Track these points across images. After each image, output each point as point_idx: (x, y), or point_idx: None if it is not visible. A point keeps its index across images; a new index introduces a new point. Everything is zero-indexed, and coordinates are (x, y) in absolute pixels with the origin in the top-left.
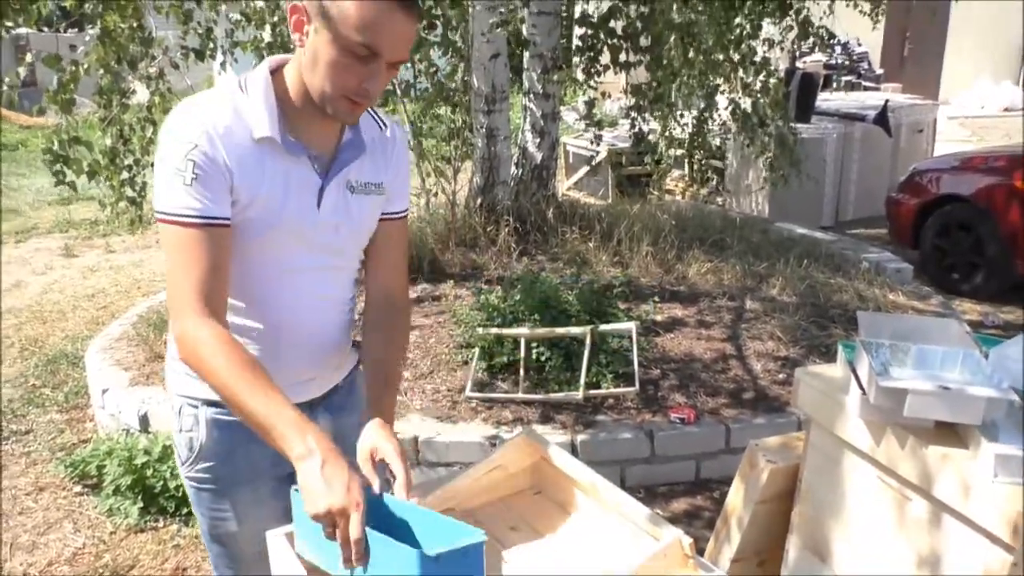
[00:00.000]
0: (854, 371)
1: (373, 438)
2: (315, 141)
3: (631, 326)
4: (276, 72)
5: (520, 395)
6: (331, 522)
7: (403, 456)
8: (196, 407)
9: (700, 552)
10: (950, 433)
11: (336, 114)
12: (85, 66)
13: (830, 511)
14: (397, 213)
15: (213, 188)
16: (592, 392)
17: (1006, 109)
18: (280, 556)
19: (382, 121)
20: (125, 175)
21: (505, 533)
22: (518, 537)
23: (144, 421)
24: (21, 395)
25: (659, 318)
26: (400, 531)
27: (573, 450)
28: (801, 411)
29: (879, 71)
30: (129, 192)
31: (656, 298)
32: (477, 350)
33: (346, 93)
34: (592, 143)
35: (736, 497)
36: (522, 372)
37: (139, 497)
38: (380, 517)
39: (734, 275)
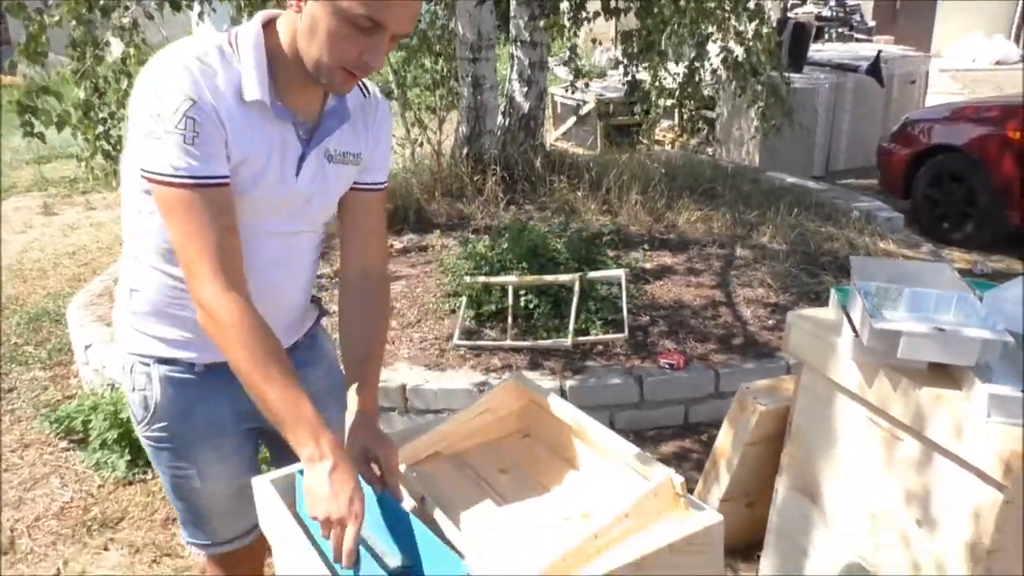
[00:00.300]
0: (847, 314)
1: (365, 441)
2: (301, 107)
3: (620, 273)
4: (267, 26)
5: (508, 342)
6: (328, 526)
7: (396, 465)
8: (148, 365)
9: (690, 492)
10: (943, 375)
11: (330, 85)
12: (56, 18)
13: (820, 452)
14: (376, 184)
15: (213, 144)
16: (581, 339)
17: (998, 63)
18: (266, 503)
19: (366, 88)
20: (100, 129)
21: (495, 476)
22: (507, 480)
23: None
24: (3, 353)
25: (648, 266)
26: (387, 535)
27: (562, 396)
28: (792, 354)
29: (871, 23)
30: (104, 146)
31: (645, 246)
32: (465, 298)
33: (344, 64)
34: (570, 90)
35: (725, 439)
36: (510, 320)
37: (126, 451)
38: (371, 516)
39: (724, 223)
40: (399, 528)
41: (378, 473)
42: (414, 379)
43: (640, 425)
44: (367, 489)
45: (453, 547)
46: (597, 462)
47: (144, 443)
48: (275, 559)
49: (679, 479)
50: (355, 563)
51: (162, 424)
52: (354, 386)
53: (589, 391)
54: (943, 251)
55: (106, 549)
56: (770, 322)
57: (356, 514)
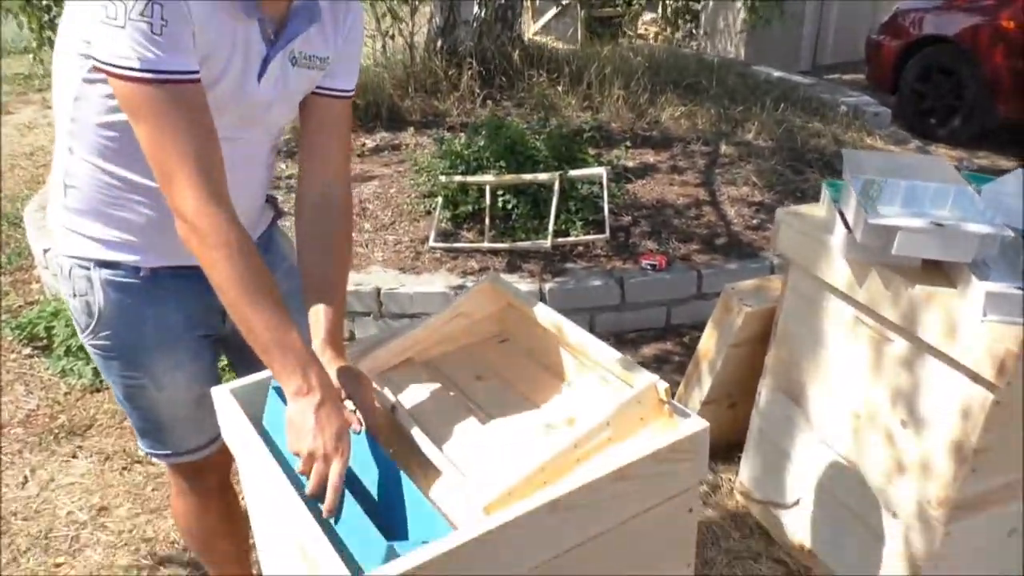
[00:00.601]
0: (839, 211)
1: (343, 383)
2: (268, 2)
3: (601, 171)
4: None
5: (486, 244)
6: (310, 462)
7: (373, 404)
8: (87, 268)
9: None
10: (936, 273)
11: None
12: None
13: (805, 353)
14: (343, 92)
15: (183, 36)
16: (561, 240)
17: None
18: (227, 414)
19: None
20: (45, 17)
21: (470, 383)
22: (484, 387)
23: None
24: None
25: (630, 164)
26: (372, 478)
27: (541, 299)
28: (781, 254)
29: None
30: (52, 36)
31: (627, 143)
32: (440, 199)
33: None
34: None
35: (709, 341)
36: (487, 221)
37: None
38: (355, 455)
39: (709, 119)
40: (382, 475)
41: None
42: (388, 283)
43: (621, 328)
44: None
45: (435, 506)
46: (578, 368)
47: (91, 352)
48: (240, 472)
49: (663, 385)
50: (338, 507)
51: (108, 332)
52: (318, 323)
53: (569, 294)
54: (929, 147)
55: (74, 457)
56: (754, 221)
57: (343, 450)
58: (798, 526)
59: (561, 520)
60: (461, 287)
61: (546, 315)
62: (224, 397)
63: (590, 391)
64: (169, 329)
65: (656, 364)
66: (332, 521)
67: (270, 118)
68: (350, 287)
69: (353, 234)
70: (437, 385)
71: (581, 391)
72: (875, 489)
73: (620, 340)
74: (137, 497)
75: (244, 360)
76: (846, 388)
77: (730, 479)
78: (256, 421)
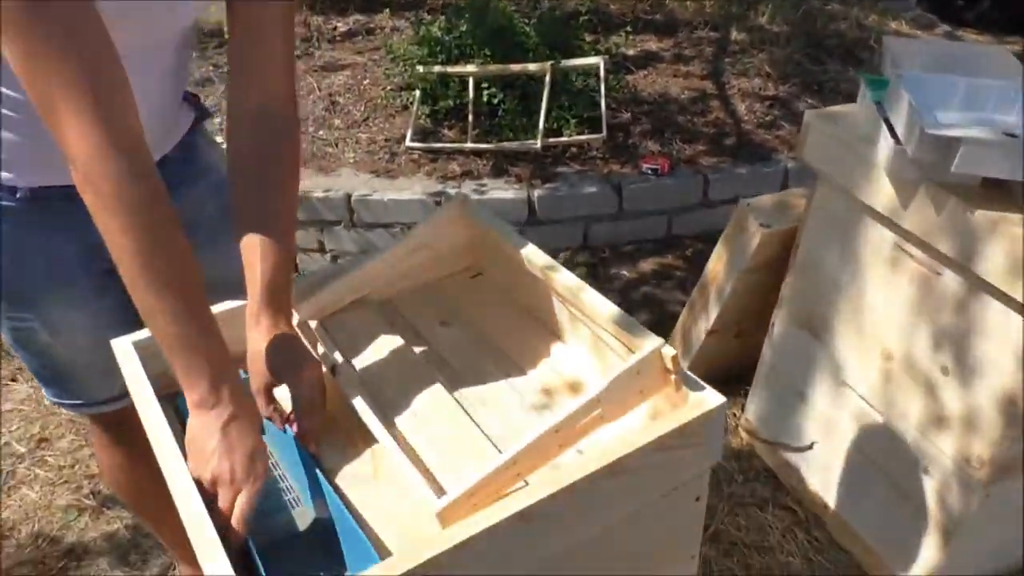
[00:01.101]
0: (885, 117)
1: (274, 363)
2: None
3: (598, 61)
4: None
5: (469, 144)
6: (214, 488)
7: (315, 400)
8: None
9: (672, 320)
10: (1000, 195)
11: None
12: None
13: (830, 284)
14: None
15: None
16: (552, 140)
17: None
18: (128, 371)
19: None
20: None
21: (432, 329)
22: (450, 336)
23: None
24: None
25: (631, 52)
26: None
27: (530, 207)
28: (809, 164)
29: None
30: None
31: (628, 29)
32: (418, 92)
33: None
34: None
35: (718, 263)
36: (471, 118)
37: None
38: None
39: (718, 1)
40: (312, 487)
41: (288, 413)
42: (360, 188)
43: (618, 239)
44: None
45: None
46: (566, 318)
47: None
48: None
49: (670, 352)
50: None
51: None
52: (254, 276)
53: (561, 201)
54: (957, 32)
55: (14, 380)
56: (767, 118)
57: (255, 476)
58: (811, 472)
59: (535, 530)
60: (441, 194)
61: (531, 255)
62: (125, 351)
63: (579, 350)
64: (61, 262)
65: (655, 280)
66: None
67: (176, 22)
68: (319, 193)
69: (322, 133)
70: (394, 335)
71: (569, 349)
72: (905, 441)
73: (616, 253)
74: (80, 428)
75: None
76: (878, 326)
77: (735, 414)
78: (164, 378)
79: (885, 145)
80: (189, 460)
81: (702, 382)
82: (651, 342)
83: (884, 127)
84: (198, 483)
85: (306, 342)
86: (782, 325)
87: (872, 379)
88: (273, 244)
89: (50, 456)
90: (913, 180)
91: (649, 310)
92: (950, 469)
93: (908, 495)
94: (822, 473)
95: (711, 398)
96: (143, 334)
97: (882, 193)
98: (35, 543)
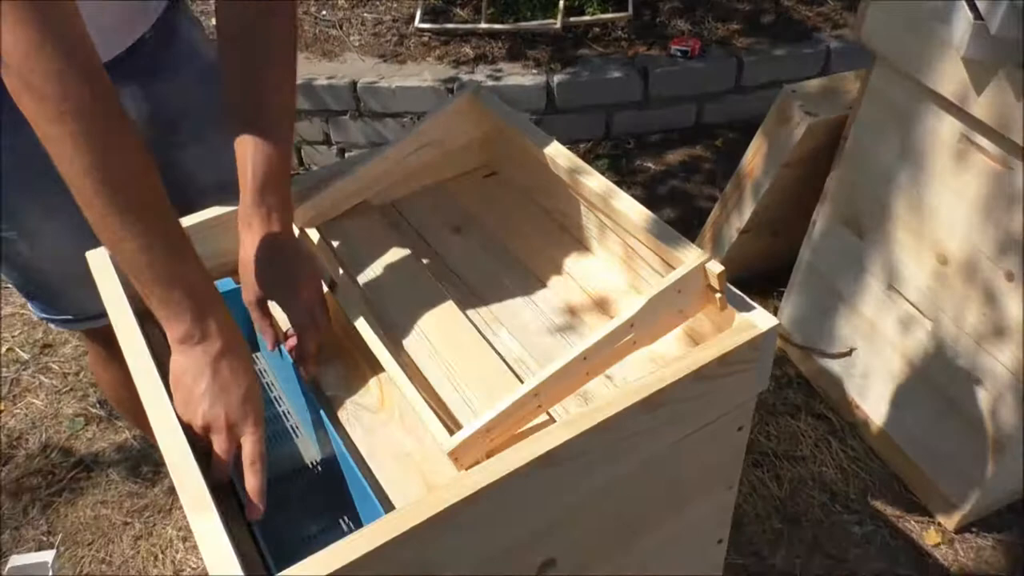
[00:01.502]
0: None
1: (267, 273)
2: None
3: None
4: None
5: (483, 25)
6: (206, 435)
7: (314, 325)
8: None
9: (701, 216)
10: None
11: None
12: None
13: (881, 178)
14: None
15: None
16: (574, 19)
17: None
18: (106, 286)
19: None
20: None
21: (443, 237)
22: (462, 244)
23: None
24: None
25: None
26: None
27: (549, 93)
28: (866, 44)
29: None
30: None
31: None
32: None
33: None
34: None
35: (756, 156)
36: None
37: None
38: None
39: None
40: (315, 422)
41: (285, 331)
42: (367, 74)
43: (643, 127)
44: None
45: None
46: (594, 225)
47: None
48: None
49: (716, 268)
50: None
51: None
52: (246, 173)
53: (582, 87)
54: None
55: None
56: None
57: (255, 419)
58: (848, 380)
59: (561, 473)
60: (454, 80)
61: (554, 154)
62: (100, 264)
63: (609, 263)
64: (37, 163)
65: (684, 172)
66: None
67: None
68: (322, 80)
69: (324, 12)
70: (400, 244)
71: (597, 261)
72: (957, 350)
73: (641, 143)
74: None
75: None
76: (936, 226)
77: None
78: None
79: (962, 21)
80: (176, 403)
81: (750, 300)
82: (693, 255)
83: (964, 1)
84: (188, 428)
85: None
86: (825, 222)
87: (923, 283)
88: (267, 134)
89: (54, 363)
90: (992, 63)
91: (676, 206)
92: (1006, 381)
93: (956, 406)
94: (861, 381)
95: (761, 319)
96: None
97: (952, 77)
98: (43, 453)
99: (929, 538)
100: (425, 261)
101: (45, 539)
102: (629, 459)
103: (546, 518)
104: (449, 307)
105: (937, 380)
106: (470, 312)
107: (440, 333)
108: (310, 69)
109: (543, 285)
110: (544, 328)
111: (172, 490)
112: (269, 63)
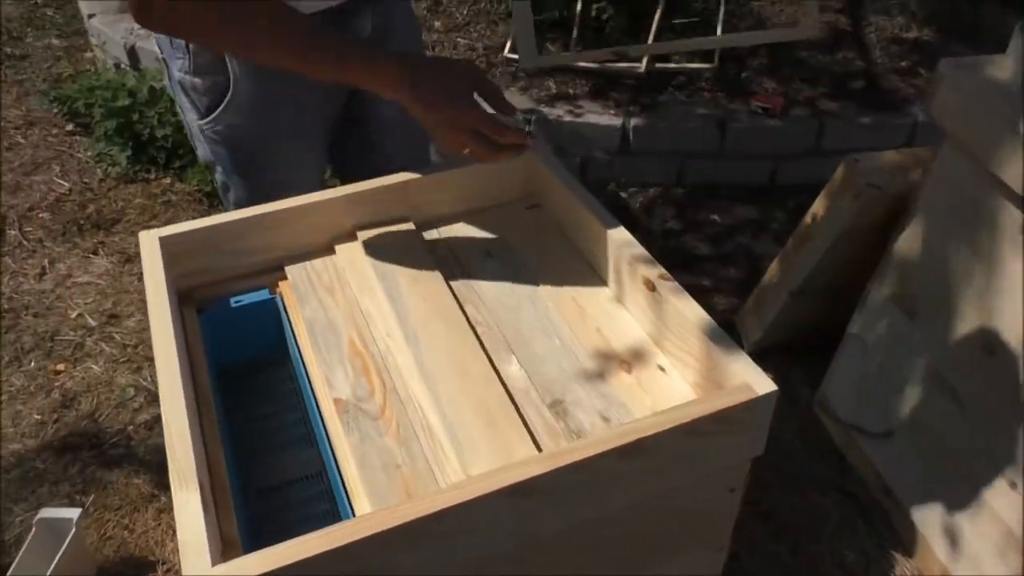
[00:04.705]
0: None
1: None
2: None
3: None
4: None
5: (570, 58)
6: (471, 141)
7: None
8: None
9: (757, 276)
10: None
11: None
12: None
13: (938, 261)
14: None
15: None
16: (659, 66)
17: None
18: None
19: None
20: None
21: (475, 260)
22: (490, 269)
23: (133, 56)
24: (21, 14)
25: None
26: None
27: (624, 135)
28: (938, 120)
29: None
30: None
31: None
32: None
33: None
34: None
35: (816, 219)
36: (575, 32)
37: (128, 144)
38: None
39: None
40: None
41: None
42: None
43: (715, 179)
44: None
45: None
46: (626, 275)
47: (199, 135)
48: None
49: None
50: None
51: (233, 122)
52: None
53: (658, 134)
54: None
55: (95, 254)
56: (903, 64)
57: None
58: (883, 462)
59: (530, 504)
60: (532, 112)
61: (615, 234)
62: (150, 245)
63: (636, 313)
64: (303, 117)
65: (751, 231)
66: None
67: None
68: None
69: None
70: (431, 259)
71: (623, 310)
72: (997, 446)
73: (711, 195)
74: None
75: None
76: (987, 316)
77: (809, 387)
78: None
79: None
80: (438, 140)
81: (754, 363)
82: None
83: None
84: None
85: None
86: (877, 298)
87: (968, 372)
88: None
89: (117, 333)
90: None
91: (740, 264)
92: None
93: (988, 505)
94: (896, 465)
95: (759, 383)
96: (171, 230)
97: (1016, 164)
98: (92, 416)
99: None
100: (453, 281)
101: (77, 497)
102: (608, 502)
103: (518, 544)
104: (462, 327)
105: (972, 475)
106: (484, 335)
107: (447, 354)
108: None
109: (563, 322)
110: (556, 364)
111: None
112: None
